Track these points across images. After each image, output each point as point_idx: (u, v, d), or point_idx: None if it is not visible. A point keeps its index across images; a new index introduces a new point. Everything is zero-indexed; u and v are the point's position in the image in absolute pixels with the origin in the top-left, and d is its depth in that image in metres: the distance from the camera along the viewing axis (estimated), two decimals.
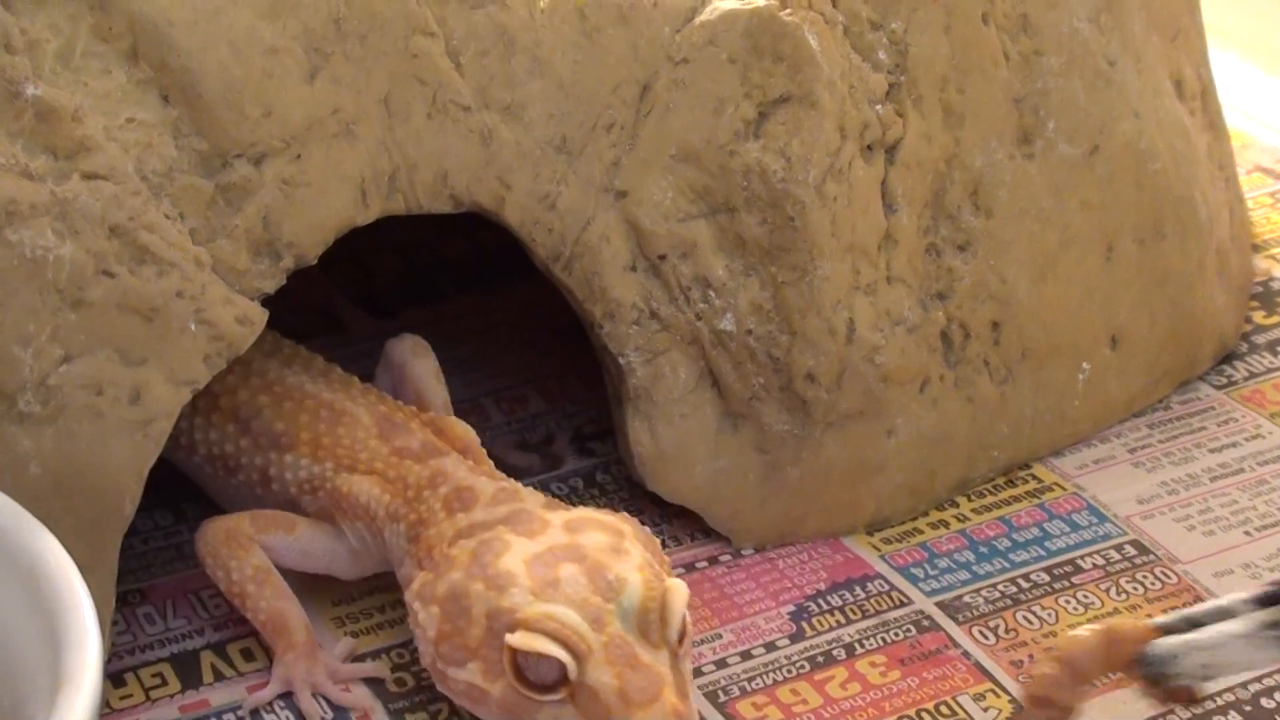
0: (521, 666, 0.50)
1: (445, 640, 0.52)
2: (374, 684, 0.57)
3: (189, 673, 0.57)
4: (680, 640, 0.51)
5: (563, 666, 0.50)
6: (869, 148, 0.62)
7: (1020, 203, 0.64)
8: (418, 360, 0.64)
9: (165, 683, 0.57)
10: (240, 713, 0.56)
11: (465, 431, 0.60)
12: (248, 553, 0.57)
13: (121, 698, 0.57)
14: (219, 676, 0.57)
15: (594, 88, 0.59)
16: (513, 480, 0.57)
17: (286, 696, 0.56)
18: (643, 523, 0.63)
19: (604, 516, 0.54)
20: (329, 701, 0.56)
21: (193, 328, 0.55)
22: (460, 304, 0.76)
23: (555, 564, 0.52)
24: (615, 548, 0.52)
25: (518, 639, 0.50)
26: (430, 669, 0.53)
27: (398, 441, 0.58)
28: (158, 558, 0.62)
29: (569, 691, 0.50)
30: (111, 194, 0.53)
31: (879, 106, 0.62)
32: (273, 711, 0.56)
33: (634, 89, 0.60)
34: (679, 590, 0.51)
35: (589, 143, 0.60)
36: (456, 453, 0.58)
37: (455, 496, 0.55)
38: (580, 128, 0.59)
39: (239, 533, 0.57)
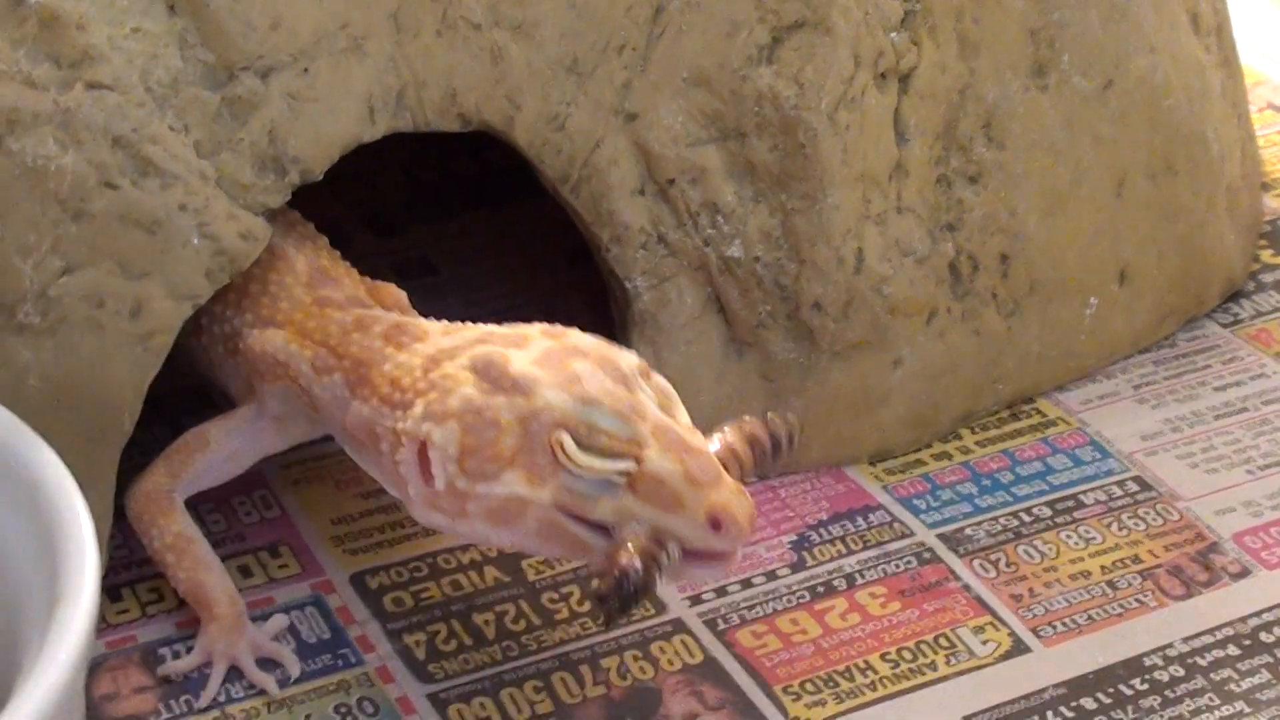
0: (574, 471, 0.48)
1: (472, 455, 0.49)
2: (372, 602, 0.57)
3: None
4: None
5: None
6: (883, 76, 0.61)
7: (1032, 135, 0.64)
8: None
9: (162, 598, 0.57)
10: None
11: (398, 293, 0.58)
12: (168, 518, 0.55)
13: (118, 613, 0.56)
14: None
15: (606, 8, 0.59)
16: None
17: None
18: None
19: (548, 325, 0.52)
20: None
21: (195, 242, 0.54)
22: (465, 223, 0.75)
23: (565, 361, 0.50)
24: (605, 344, 0.51)
25: (573, 457, 0.48)
26: (440, 497, 0.50)
27: (323, 291, 0.56)
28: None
29: (628, 483, 0.48)
30: (115, 104, 0.53)
31: (894, 34, 0.61)
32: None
33: (647, 10, 0.59)
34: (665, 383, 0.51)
35: (600, 64, 0.59)
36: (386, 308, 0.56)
37: (397, 331, 0.53)
38: (592, 48, 0.59)
39: (158, 492, 0.56)
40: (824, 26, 0.60)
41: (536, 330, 0.52)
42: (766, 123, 0.60)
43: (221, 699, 0.54)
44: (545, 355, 0.50)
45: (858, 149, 0.60)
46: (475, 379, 0.50)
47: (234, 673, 0.54)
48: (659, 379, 0.51)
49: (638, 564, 0.47)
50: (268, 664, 0.55)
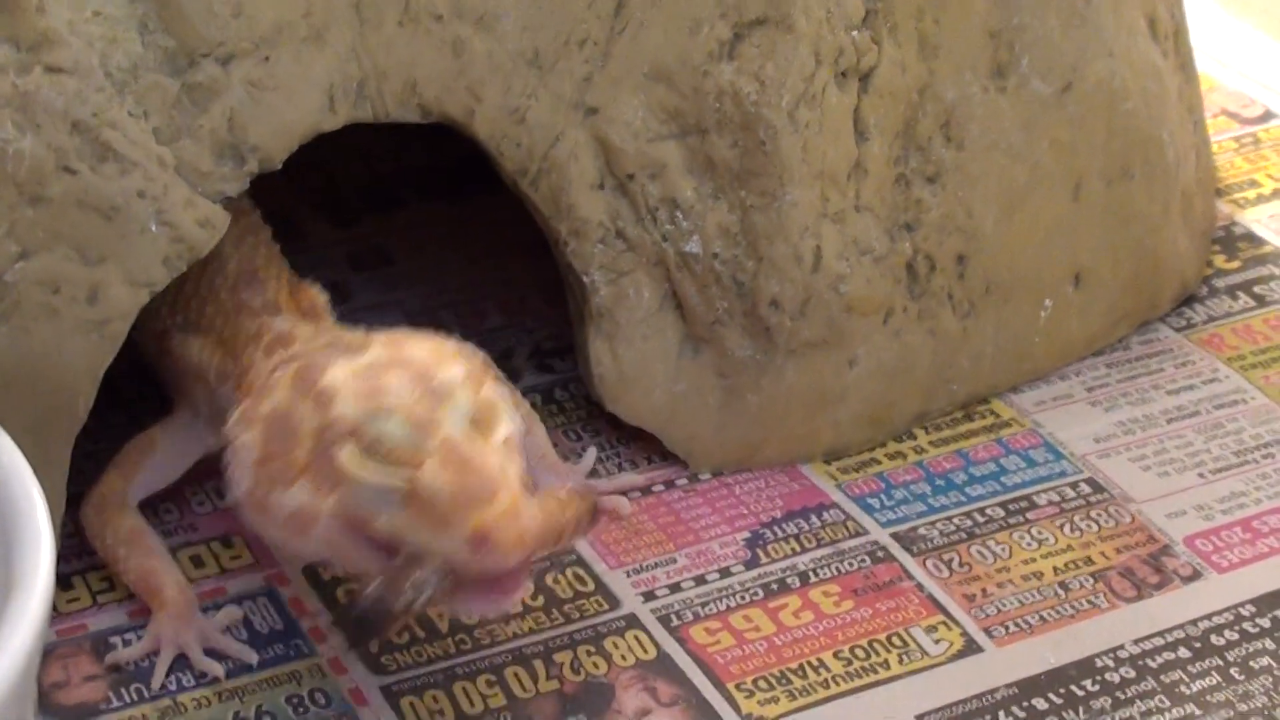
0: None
1: (270, 461, 0.49)
2: (325, 593, 0.57)
3: None
4: (517, 434, 0.50)
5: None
6: (843, 74, 0.61)
7: (991, 137, 0.64)
8: None
9: (113, 587, 0.57)
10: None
11: (316, 296, 0.57)
12: (120, 516, 0.56)
13: (69, 600, 0.56)
14: None
15: (568, 2, 0.59)
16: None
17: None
18: (601, 445, 0.63)
19: (425, 334, 0.52)
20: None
21: (153, 228, 0.54)
22: (422, 213, 0.75)
23: (380, 374, 0.49)
24: (440, 356, 0.50)
25: (347, 462, 0.48)
26: (246, 500, 0.50)
27: (244, 295, 0.56)
28: (108, 459, 0.61)
29: (404, 498, 0.47)
30: (75, 89, 0.52)
31: (855, 33, 0.61)
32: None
33: (609, 4, 0.59)
34: (503, 390, 0.50)
35: (561, 57, 0.59)
36: (298, 314, 0.56)
37: (276, 341, 0.54)
38: (553, 41, 0.59)
39: (112, 495, 0.56)
40: (785, 24, 0.60)
41: (381, 339, 0.51)
42: (727, 119, 0.60)
43: (173, 687, 0.53)
44: (365, 368, 0.50)
45: (817, 147, 0.60)
46: (292, 385, 0.50)
47: (186, 661, 0.54)
48: (491, 391, 0.50)
49: (378, 591, 0.47)
50: (219, 657, 0.54)
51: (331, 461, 0.48)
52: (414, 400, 0.49)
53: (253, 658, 0.54)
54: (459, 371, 0.50)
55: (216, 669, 0.54)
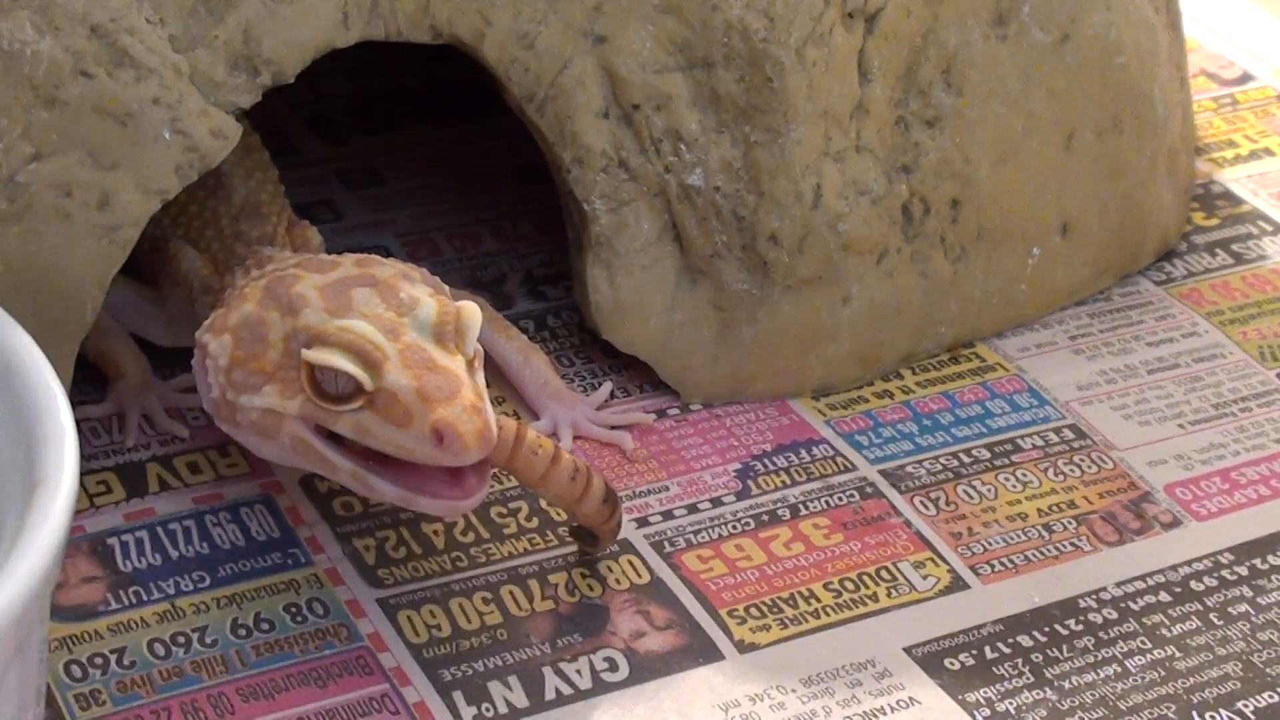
0: (319, 380, 0.50)
1: (239, 367, 0.52)
2: (321, 505, 0.57)
3: (135, 482, 0.57)
4: (474, 359, 0.52)
5: (356, 379, 0.50)
6: (850, 15, 0.62)
7: (990, 84, 0.65)
8: None
9: (110, 490, 0.57)
10: (183, 519, 0.56)
11: (311, 236, 0.60)
12: None
13: None
14: (165, 486, 0.57)
15: None
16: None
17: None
18: (593, 372, 0.64)
19: (394, 260, 0.55)
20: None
21: (167, 136, 0.54)
22: (414, 134, 0.75)
23: (348, 289, 0.52)
24: (406, 276, 0.53)
25: (313, 354, 0.50)
26: (217, 405, 0.53)
27: (244, 226, 0.58)
28: (98, 371, 0.61)
29: (367, 399, 0.50)
30: None
31: None
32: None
33: None
34: (473, 307, 0.52)
35: None
36: (291, 249, 0.59)
37: (255, 264, 0.56)
38: None
39: None
40: None
41: (350, 259, 0.54)
42: (734, 54, 0.60)
43: (171, 591, 0.54)
44: (337, 281, 0.52)
45: (823, 86, 0.61)
46: (262, 295, 0.52)
47: (186, 564, 0.54)
48: (454, 305, 0.52)
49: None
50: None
51: (298, 364, 0.51)
52: (381, 310, 0.51)
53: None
54: (425, 290, 0.52)
55: (180, 430, 0.58)
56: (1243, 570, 0.58)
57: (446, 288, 0.54)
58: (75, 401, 0.56)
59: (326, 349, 0.50)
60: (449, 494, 0.51)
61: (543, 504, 0.58)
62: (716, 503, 0.59)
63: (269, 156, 0.62)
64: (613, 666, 0.53)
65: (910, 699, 0.52)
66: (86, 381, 0.60)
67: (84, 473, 0.57)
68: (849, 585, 0.56)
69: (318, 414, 0.51)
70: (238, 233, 0.58)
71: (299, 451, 0.52)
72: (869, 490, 0.60)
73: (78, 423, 0.56)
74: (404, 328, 0.51)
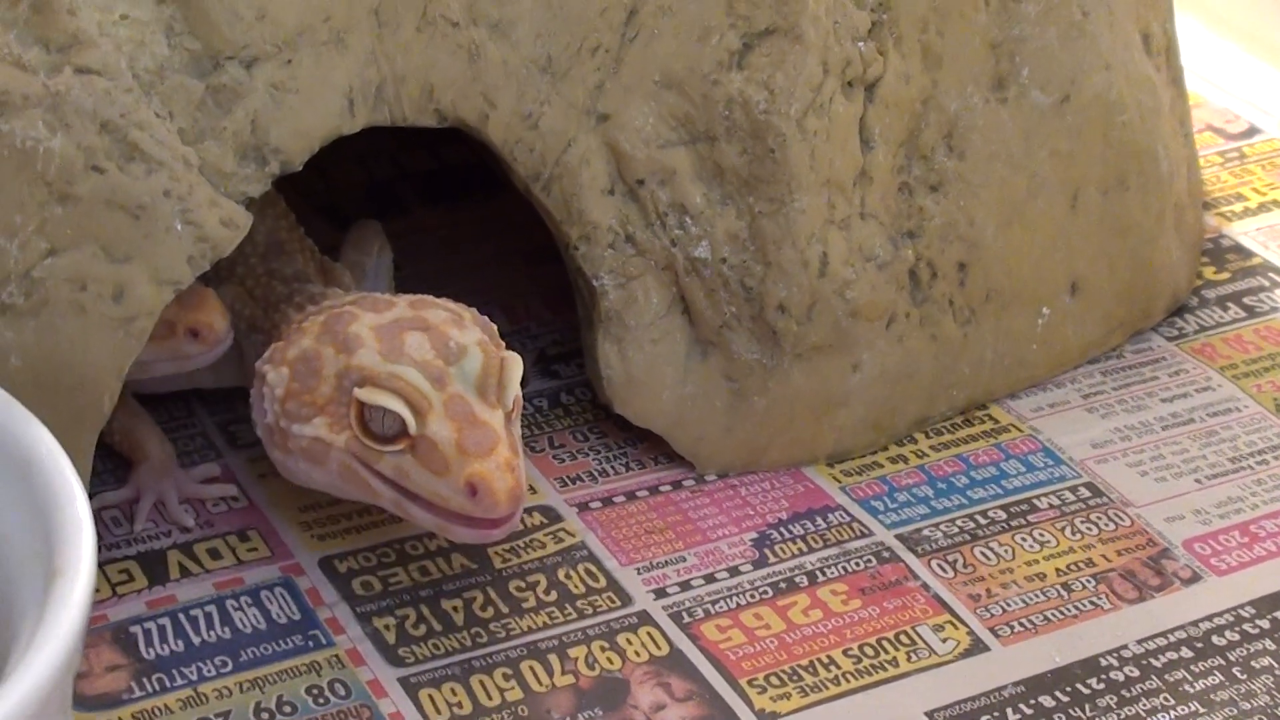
0: (366, 419, 0.53)
1: (293, 398, 0.55)
2: (341, 586, 0.57)
3: (156, 569, 0.58)
4: (514, 409, 0.54)
5: (403, 420, 0.53)
6: (849, 84, 0.62)
7: (992, 147, 0.65)
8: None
9: (132, 578, 0.57)
10: (205, 605, 0.56)
11: (342, 274, 0.63)
12: None
13: None
14: (185, 573, 0.58)
15: (581, 9, 0.60)
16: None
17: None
18: (608, 446, 0.64)
19: (447, 300, 0.57)
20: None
21: (178, 227, 0.55)
22: (424, 218, 0.76)
23: (401, 332, 0.55)
24: (457, 322, 0.56)
25: (364, 393, 0.53)
26: (270, 431, 0.56)
27: (274, 264, 0.61)
28: (122, 460, 0.62)
29: (409, 443, 0.53)
30: (104, 89, 0.53)
31: (861, 44, 0.62)
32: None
33: (620, 13, 0.60)
34: (516, 360, 0.55)
35: (574, 64, 0.60)
36: (326, 284, 0.61)
37: (307, 300, 0.59)
38: (566, 49, 0.60)
39: None
40: (794, 34, 0.61)
41: (405, 300, 0.57)
42: (736, 127, 0.61)
43: (194, 677, 0.54)
44: (388, 325, 0.55)
45: (825, 155, 0.62)
46: (320, 331, 0.55)
47: (208, 650, 0.55)
48: (499, 356, 0.55)
49: None
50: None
51: (348, 401, 0.53)
52: (430, 357, 0.54)
53: (231, 491, 0.60)
54: (474, 337, 0.55)
55: (187, 520, 0.59)
56: (1265, 623, 0.58)
57: (494, 326, 0.57)
58: (95, 491, 0.57)
59: (377, 390, 0.53)
60: (478, 529, 0.53)
61: (561, 576, 0.58)
62: (734, 572, 0.59)
63: (285, 203, 0.63)
64: None
65: None
66: (108, 472, 0.61)
67: (106, 562, 0.58)
68: (868, 651, 0.56)
69: (362, 451, 0.54)
70: (270, 270, 0.61)
71: (345, 478, 0.55)
72: (886, 555, 0.60)
73: (98, 511, 0.57)
74: (450, 378, 0.54)
